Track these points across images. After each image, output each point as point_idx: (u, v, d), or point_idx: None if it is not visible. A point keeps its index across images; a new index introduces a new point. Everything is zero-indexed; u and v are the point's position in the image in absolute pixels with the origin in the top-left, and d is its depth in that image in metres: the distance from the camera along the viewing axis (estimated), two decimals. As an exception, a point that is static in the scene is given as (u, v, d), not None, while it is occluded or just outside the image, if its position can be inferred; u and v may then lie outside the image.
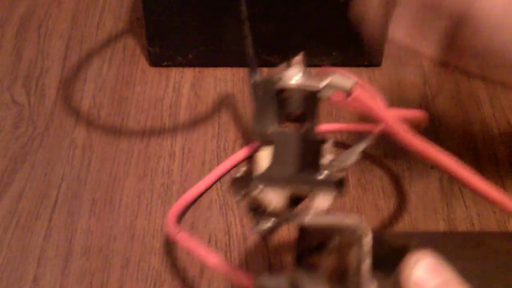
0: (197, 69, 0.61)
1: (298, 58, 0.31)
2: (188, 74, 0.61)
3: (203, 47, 0.60)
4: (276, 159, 0.30)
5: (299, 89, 0.30)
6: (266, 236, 0.34)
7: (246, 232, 0.49)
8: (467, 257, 0.32)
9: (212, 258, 0.43)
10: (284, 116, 0.31)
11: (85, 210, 0.50)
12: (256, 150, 0.31)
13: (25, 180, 0.52)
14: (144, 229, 0.49)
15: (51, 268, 0.47)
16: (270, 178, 0.29)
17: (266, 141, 0.31)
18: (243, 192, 0.31)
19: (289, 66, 0.31)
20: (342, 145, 0.53)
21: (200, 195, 0.51)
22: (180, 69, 0.61)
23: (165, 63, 0.61)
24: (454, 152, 0.40)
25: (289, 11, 0.58)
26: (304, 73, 0.30)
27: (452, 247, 0.33)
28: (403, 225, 0.49)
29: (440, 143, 0.33)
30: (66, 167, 0.53)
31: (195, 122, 0.57)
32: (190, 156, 0.54)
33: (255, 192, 0.29)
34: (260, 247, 0.48)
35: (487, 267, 0.32)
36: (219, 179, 0.52)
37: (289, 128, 0.31)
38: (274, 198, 0.29)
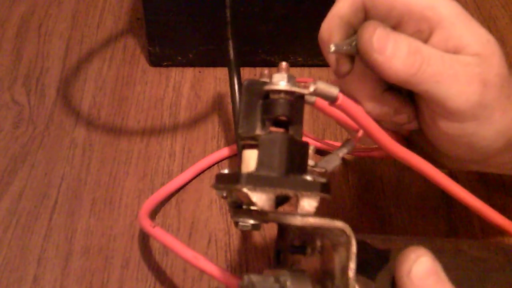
0: (197, 69, 0.61)
1: (284, 64, 0.31)
2: (188, 74, 0.61)
3: (203, 47, 0.60)
4: (262, 161, 0.30)
5: (286, 93, 0.31)
6: (248, 232, 0.35)
7: (246, 232, 0.49)
8: (447, 264, 0.32)
9: (188, 253, 0.42)
10: (270, 120, 0.31)
11: (85, 210, 0.50)
12: (236, 151, 0.31)
13: (25, 180, 0.52)
14: (144, 229, 0.49)
15: (51, 268, 0.47)
16: (257, 179, 0.30)
17: (252, 143, 0.31)
18: (227, 190, 0.31)
19: (275, 71, 0.31)
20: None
21: (175, 192, 0.51)
22: (180, 69, 0.61)
23: (165, 63, 0.61)
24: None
25: (289, 11, 0.58)
26: (290, 78, 0.31)
27: (432, 252, 0.33)
28: (403, 225, 0.49)
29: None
30: (66, 167, 0.53)
31: (195, 122, 0.57)
32: (190, 156, 0.54)
33: (242, 193, 0.30)
34: (260, 247, 0.48)
35: (466, 275, 0.32)
36: (196, 176, 0.52)
37: (275, 131, 0.31)
38: (261, 199, 0.30)
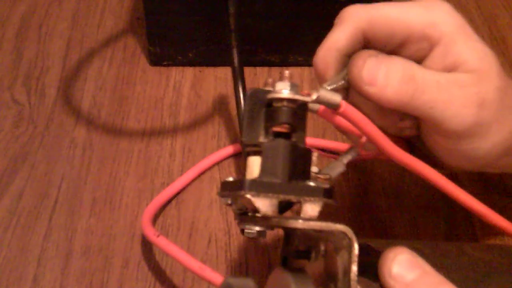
0: (197, 68, 0.61)
1: (287, 72, 0.31)
2: (188, 74, 0.61)
3: (203, 46, 0.60)
4: (265, 167, 0.31)
5: (288, 101, 0.31)
6: (254, 239, 0.35)
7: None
8: (450, 266, 0.32)
9: (193, 263, 0.43)
10: (273, 127, 0.31)
11: (85, 209, 0.50)
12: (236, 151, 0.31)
13: (25, 180, 0.52)
14: (144, 229, 0.49)
15: (51, 268, 0.47)
16: (261, 185, 0.30)
17: (255, 150, 0.31)
18: (232, 197, 0.32)
19: (279, 79, 0.31)
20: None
21: (177, 194, 0.51)
22: (181, 68, 0.61)
23: (166, 63, 0.61)
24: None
25: (290, 11, 0.58)
26: (293, 86, 0.31)
27: (435, 256, 0.33)
28: (403, 225, 0.49)
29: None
30: (66, 166, 0.53)
31: (195, 122, 0.57)
32: (190, 156, 0.54)
33: (245, 199, 0.30)
34: (260, 247, 0.48)
35: (468, 276, 0.33)
36: (197, 177, 0.52)
37: (279, 139, 0.31)
38: (264, 204, 0.30)
